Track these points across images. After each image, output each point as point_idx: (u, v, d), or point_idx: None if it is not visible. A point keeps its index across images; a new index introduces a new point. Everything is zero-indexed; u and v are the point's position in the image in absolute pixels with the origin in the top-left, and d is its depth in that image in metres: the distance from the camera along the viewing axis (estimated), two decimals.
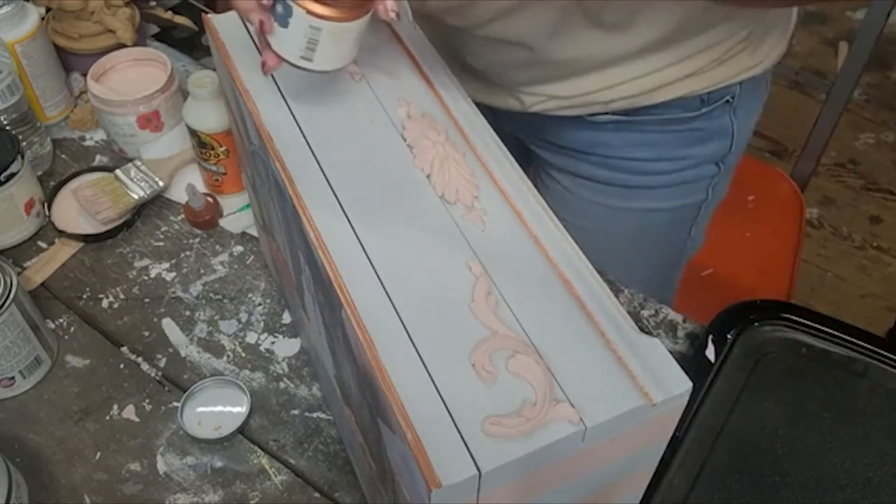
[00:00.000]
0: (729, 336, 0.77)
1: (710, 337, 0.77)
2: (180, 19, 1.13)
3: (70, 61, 1.03)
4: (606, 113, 0.80)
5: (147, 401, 0.77)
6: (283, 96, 0.59)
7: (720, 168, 0.87)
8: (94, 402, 0.77)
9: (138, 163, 0.92)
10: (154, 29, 1.11)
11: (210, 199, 0.90)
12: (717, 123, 0.82)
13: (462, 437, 0.42)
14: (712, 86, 0.78)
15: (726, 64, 0.76)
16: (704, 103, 0.79)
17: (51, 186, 0.93)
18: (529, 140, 0.92)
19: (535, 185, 0.97)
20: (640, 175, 0.86)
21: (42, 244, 0.90)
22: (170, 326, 0.83)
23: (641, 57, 0.74)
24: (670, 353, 0.45)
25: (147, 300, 0.85)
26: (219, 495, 0.71)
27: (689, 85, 0.77)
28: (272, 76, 0.60)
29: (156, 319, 0.83)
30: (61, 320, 0.83)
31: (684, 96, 0.78)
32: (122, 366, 0.80)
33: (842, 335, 0.77)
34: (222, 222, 0.91)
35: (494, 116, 0.86)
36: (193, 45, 1.31)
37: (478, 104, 0.59)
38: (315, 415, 0.76)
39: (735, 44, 0.75)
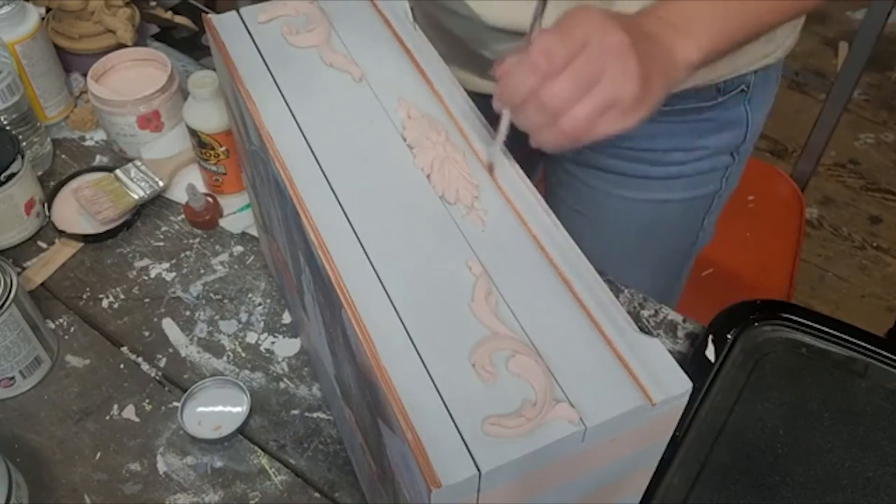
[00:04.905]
0: (729, 336, 0.77)
1: (710, 337, 0.77)
2: (180, 19, 1.13)
3: (70, 61, 1.03)
4: None
5: (147, 401, 0.77)
6: (283, 96, 0.59)
7: (735, 158, 0.87)
8: (94, 402, 0.77)
9: (138, 163, 0.92)
10: (154, 29, 1.11)
11: (210, 199, 0.90)
12: (733, 113, 0.82)
13: (462, 437, 0.42)
14: (728, 74, 0.77)
15: (741, 51, 0.76)
16: (720, 92, 0.79)
17: (51, 186, 0.93)
18: None
19: (548, 180, 0.97)
20: (655, 165, 0.86)
21: (42, 244, 0.90)
22: (170, 326, 0.82)
23: None
24: (670, 353, 0.45)
25: (147, 300, 0.85)
26: (219, 495, 0.71)
27: (704, 73, 0.76)
28: (272, 76, 0.60)
29: (156, 319, 0.83)
30: (61, 320, 0.83)
31: (700, 85, 0.77)
32: (122, 366, 0.80)
33: (842, 335, 0.77)
34: (222, 222, 0.91)
35: None
36: (193, 45, 1.31)
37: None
38: (315, 415, 0.76)
39: None
